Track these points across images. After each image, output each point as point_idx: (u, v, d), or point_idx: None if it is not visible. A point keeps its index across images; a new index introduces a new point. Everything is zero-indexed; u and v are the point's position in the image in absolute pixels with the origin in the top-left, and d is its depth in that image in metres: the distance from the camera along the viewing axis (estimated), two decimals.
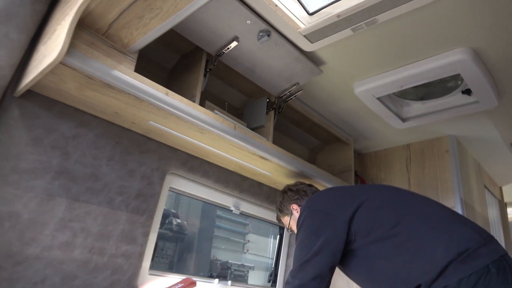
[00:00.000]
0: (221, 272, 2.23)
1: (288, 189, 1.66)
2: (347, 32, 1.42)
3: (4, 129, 1.18)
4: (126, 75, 1.17)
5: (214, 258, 2.30)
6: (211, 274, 2.13)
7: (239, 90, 1.87)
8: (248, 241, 2.66)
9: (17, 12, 1.15)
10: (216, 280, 1.85)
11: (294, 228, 1.56)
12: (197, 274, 2.18)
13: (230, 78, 1.76)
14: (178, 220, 2.21)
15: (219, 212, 2.56)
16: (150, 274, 1.57)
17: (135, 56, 1.23)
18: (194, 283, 1.50)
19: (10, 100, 1.19)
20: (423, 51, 1.54)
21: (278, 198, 1.68)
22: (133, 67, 1.21)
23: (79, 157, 1.34)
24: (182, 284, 1.47)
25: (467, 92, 1.80)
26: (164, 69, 1.68)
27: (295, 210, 1.60)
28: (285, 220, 1.65)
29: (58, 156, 1.29)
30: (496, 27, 1.36)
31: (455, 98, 1.89)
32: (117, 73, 1.15)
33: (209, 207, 2.30)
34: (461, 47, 1.50)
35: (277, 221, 1.77)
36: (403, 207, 1.28)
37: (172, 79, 1.63)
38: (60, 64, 1.04)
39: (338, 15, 1.35)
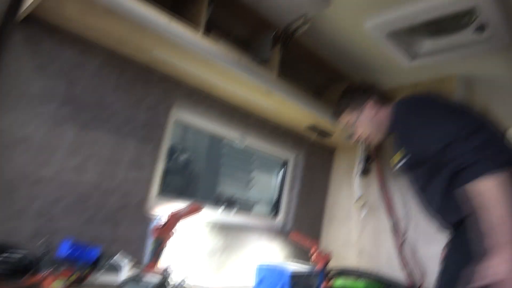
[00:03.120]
0: (228, 205, 2.34)
1: (359, 87, 1.58)
2: None
3: (9, 55, 1.20)
4: (128, 1, 1.16)
5: (220, 192, 2.41)
6: (218, 202, 2.24)
7: (245, 22, 1.82)
8: (253, 178, 2.76)
9: None
10: (222, 208, 1.96)
11: (362, 129, 1.53)
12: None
13: (235, 8, 1.71)
14: (185, 155, 2.28)
15: (225, 150, 2.63)
16: (158, 199, 1.66)
17: None
18: (199, 208, 1.59)
19: (13, 25, 1.20)
20: None
21: (344, 97, 1.57)
22: None
23: (84, 85, 1.37)
24: (189, 208, 1.56)
25: (481, 29, 1.74)
26: None
27: (369, 108, 1.51)
28: (349, 117, 1.56)
29: (63, 83, 1.32)
30: None
31: (468, 35, 1.82)
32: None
33: (215, 144, 2.36)
34: None
35: (336, 118, 1.64)
36: None
37: (175, 7, 1.59)
38: None
39: None
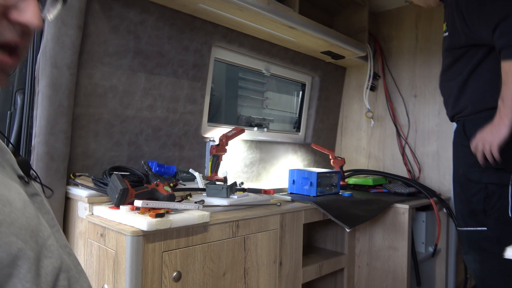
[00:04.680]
0: (246, 124, 2.70)
1: None
2: None
3: (91, 22, 1.49)
4: None
5: (239, 114, 2.76)
6: (251, 123, 2.62)
7: None
8: (267, 98, 3.09)
9: None
10: (255, 128, 2.37)
11: None
12: (228, 122, 2.64)
13: None
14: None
15: (240, 74, 2.90)
16: (209, 126, 2.06)
17: None
18: (243, 130, 1.99)
19: None
20: None
21: None
22: None
23: (147, 38, 1.68)
24: (235, 131, 1.96)
25: None
26: None
27: None
28: None
29: (132, 39, 1.63)
30: None
31: None
32: None
33: (232, 70, 2.62)
34: None
35: None
36: None
37: None
38: None
39: None
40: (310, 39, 2.17)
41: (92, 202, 1.31)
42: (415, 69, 2.57)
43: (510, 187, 1.50)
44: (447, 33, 1.63)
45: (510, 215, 1.50)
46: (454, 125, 1.74)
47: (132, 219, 1.13)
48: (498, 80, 1.44)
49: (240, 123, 2.47)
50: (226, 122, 2.64)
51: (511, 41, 1.34)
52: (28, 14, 0.45)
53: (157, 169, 1.66)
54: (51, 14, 0.52)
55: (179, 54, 1.81)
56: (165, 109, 1.79)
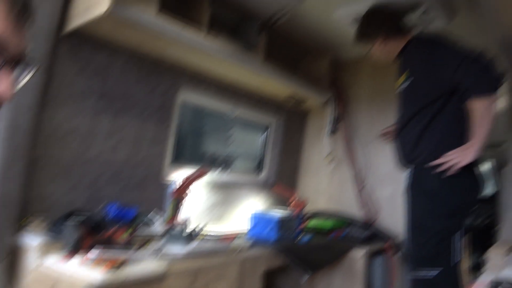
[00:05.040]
0: (210, 161, 2.70)
1: (376, 19, 1.83)
2: None
3: (57, 63, 1.49)
4: (152, 17, 1.46)
5: (204, 151, 2.77)
6: (214, 164, 2.63)
7: (235, 12, 2.12)
8: (232, 135, 3.14)
9: None
10: (218, 169, 2.39)
11: (374, 55, 1.89)
12: (191, 162, 2.63)
13: (228, 2, 1.99)
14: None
15: (206, 114, 2.93)
16: (172, 167, 2.05)
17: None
18: (206, 172, 2.00)
19: (59, 39, 1.47)
20: None
21: (363, 26, 1.86)
22: (156, 9, 1.49)
23: (114, 81, 1.68)
24: (198, 173, 1.97)
25: (426, 12, 2.12)
26: None
27: (380, 43, 1.82)
28: (362, 44, 1.89)
29: (98, 81, 1.63)
30: None
31: (416, 18, 2.21)
32: (145, 16, 1.44)
33: (198, 110, 2.64)
34: None
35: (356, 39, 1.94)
36: None
37: (179, 7, 1.86)
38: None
39: None
40: (274, 84, 2.26)
41: (43, 251, 1.26)
42: (372, 114, 2.72)
43: (455, 235, 1.60)
44: (408, 83, 1.74)
45: (456, 261, 1.59)
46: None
47: (86, 271, 1.09)
48: (457, 127, 1.58)
49: (205, 161, 2.48)
50: (191, 162, 2.64)
51: (471, 81, 1.48)
52: (1, 87, 0.47)
53: (116, 212, 1.62)
54: (24, 80, 0.53)
55: (146, 96, 1.82)
56: (128, 151, 1.78)
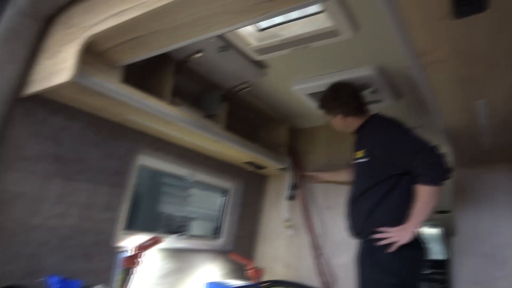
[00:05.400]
0: (166, 223, 2.61)
1: (341, 96, 1.98)
2: (287, 51, 1.83)
3: (11, 126, 1.45)
4: (115, 86, 1.48)
5: (160, 212, 2.68)
6: (170, 229, 2.55)
7: (199, 82, 2.20)
8: (191, 195, 3.09)
9: (22, 31, 1.38)
10: (174, 235, 2.31)
11: (333, 125, 2.06)
12: (147, 227, 2.53)
13: (192, 74, 2.08)
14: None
15: (164, 177, 2.88)
16: (125, 234, 1.96)
17: (122, 69, 1.53)
18: (160, 240, 1.93)
19: (15, 102, 1.45)
20: (343, 65, 2.01)
21: (328, 99, 2.02)
22: (120, 79, 1.52)
23: (69, 144, 1.65)
24: (151, 241, 1.89)
25: (375, 92, 2.33)
26: (135, 65, 1.95)
27: (340, 118, 1.99)
28: (324, 113, 2.06)
29: (52, 145, 1.59)
30: (391, 52, 1.85)
31: (367, 95, 2.41)
32: (108, 85, 1.46)
33: (156, 173, 2.60)
34: (370, 65, 1.98)
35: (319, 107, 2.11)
36: None
37: (143, 75, 1.92)
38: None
39: (281, 40, 1.75)
40: (234, 151, 2.31)
41: None
42: (329, 183, 2.80)
43: None
44: (365, 159, 1.86)
45: None
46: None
47: None
48: (405, 204, 1.70)
49: (160, 223, 2.39)
50: (146, 227, 2.54)
51: (424, 170, 1.63)
52: None
53: (58, 286, 1.50)
54: None
55: (102, 160, 1.79)
56: (77, 217, 1.69)
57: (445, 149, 1.75)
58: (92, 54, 1.40)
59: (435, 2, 0.92)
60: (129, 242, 1.98)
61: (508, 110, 1.52)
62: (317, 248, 2.68)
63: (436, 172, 1.62)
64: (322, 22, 1.67)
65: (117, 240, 1.91)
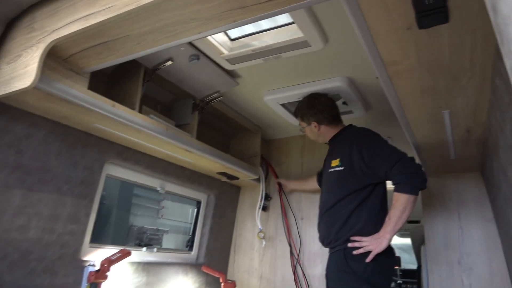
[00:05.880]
0: (137, 236, 2.54)
1: (316, 104, 2.04)
2: (259, 61, 1.83)
3: None
4: (82, 93, 1.44)
5: (131, 224, 2.61)
6: (139, 243, 2.47)
7: (170, 91, 2.17)
8: (163, 207, 3.02)
9: None
10: (144, 248, 2.24)
11: (308, 134, 2.12)
12: (116, 240, 2.46)
13: (163, 82, 2.05)
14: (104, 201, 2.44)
15: (135, 188, 2.81)
16: (91, 247, 1.89)
17: (88, 75, 1.49)
18: (129, 253, 1.87)
19: None
20: (314, 76, 2.03)
21: (304, 106, 2.08)
22: (86, 85, 1.48)
23: (32, 153, 1.58)
24: (120, 254, 1.83)
25: (345, 103, 2.37)
26: (104, 73, 1.91)
27: (314, 126, 2.04)
28: (300, 122, 2.13)
29: (13, 153, 1.52)
30: (361, 64, 1.89)
31: (338, 106, 2.45)
32: (74, 91, 1.41)
33: (126, 184, 2.53)
34: (340, 76, 2.02)
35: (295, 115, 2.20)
36: None
37: (112, 83, 1.88)
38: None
39: (253, 50, 1.75)
40: (206, 161, 2.27)
41: None
42: (301, 193, 2.81)
43: None
44: (341, 168, 1.87)
45: None
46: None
47: None
48: (380, 213, 1.75)
49: (131, 236, 2.32)
50: (115, 239, 2.45)
51: (404, 179, 1.67)
52: None
53: None
54: None
55: (67, 170, 1.72)
56: (40, 230, 1.61)
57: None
58: (57, 59, 1.36)
59: (399, 13, 0.95)
60: (96, 256, 1.90)
61: (470, 121, 1.57)
62: (292, 259, 2.66)
63: (416, 181, 1.66)
64: (293, 33, 1.69)
65: (84, 253, 1.84)
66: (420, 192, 1.69)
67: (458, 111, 1.48)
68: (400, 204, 1.65)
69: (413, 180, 1.65)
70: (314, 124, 2.04)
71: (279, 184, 2.84)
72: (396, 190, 1.68)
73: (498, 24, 0.50)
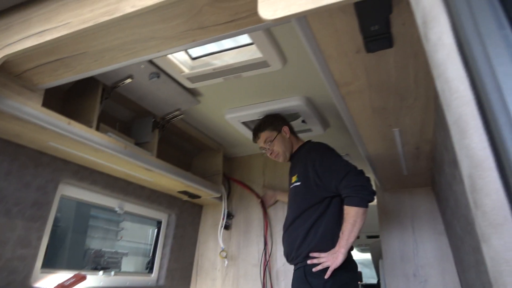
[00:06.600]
0: (95, 260, 2.43)
1: (280, 116, 2.13)
2: (219, 80, 1.86)
3: None
4: (35, 110, 1.39)
5: (88, 248, 2.50)
6: (96, 266, 2.37)
7: (129, 108, 2.14)
8: (122, 228, 2.92)
9: None
10: (101, 272, 2.15)
11: (277, 146, 2.05)
12: (71, 264, 2.34)
13: (122, 99, 2.03)
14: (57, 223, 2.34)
15: (92, 209, 2.72)
16: (42, 273, 1.79)
17: (43, 92, 1.45)
18: (84, 277, 1.78)
19: None
20: (274, 95, 2.09)
21: (269, 118, 2.11)
22: (40, 102, 1.43)
23: None
24: (74, 279, 1.74)
25: (304, 121, 2.44)
26: (60, 89, 1.86)
27: (285, 131, 2.07)
28: (269, 134, 2.07)
29: None
30: (318, 83, 1.97)
31: (298, 124, 2.52)
32: (26, 108, 1.37)
33: (82, 205, 2.44)
34: (299, 95, 2.09)
35: (256, 135, 2.14)
36: None
37: (68, 100, 1.83)
38: None
39: (213, 69, 1.78)
40: (166, 179, 2.24)
41: None
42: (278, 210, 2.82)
43: None
44: (298, 183, 1.92)
45: None
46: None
47: None
48: (337, 227, 1.78)
49: (88, 260, 2.22)
50: (70, 264, 2.34)
51: (351, 192, 1.73)
52: None
53: None
54: None
55: (17, 191, 1.64)
56: None
57: (369, 175, 1.87)
58: (8, 75, 1.32)
59: (348, 37, 1.01)
60: (49, 282, 1.80)
61: (419, 138, 1.67)
62: (260, 276, 2.64)
63: (363, 194, 1.72)
64: (252, 53, 1.74)
65: (34, 279, 1.73)
66: (376, 207, 1.76)
67: (407, 129, 1.57)
68: (350, 217, 1.71)
69: (361, 192, 1.72)
70: (285, 129, 2.08)
71: (262, 203, 2.81)
72: (345, 203, 1.75)
73: (429, 51, 0.56)
